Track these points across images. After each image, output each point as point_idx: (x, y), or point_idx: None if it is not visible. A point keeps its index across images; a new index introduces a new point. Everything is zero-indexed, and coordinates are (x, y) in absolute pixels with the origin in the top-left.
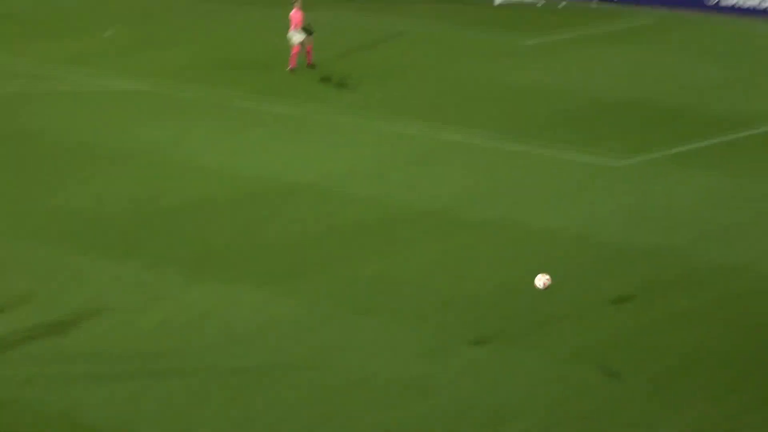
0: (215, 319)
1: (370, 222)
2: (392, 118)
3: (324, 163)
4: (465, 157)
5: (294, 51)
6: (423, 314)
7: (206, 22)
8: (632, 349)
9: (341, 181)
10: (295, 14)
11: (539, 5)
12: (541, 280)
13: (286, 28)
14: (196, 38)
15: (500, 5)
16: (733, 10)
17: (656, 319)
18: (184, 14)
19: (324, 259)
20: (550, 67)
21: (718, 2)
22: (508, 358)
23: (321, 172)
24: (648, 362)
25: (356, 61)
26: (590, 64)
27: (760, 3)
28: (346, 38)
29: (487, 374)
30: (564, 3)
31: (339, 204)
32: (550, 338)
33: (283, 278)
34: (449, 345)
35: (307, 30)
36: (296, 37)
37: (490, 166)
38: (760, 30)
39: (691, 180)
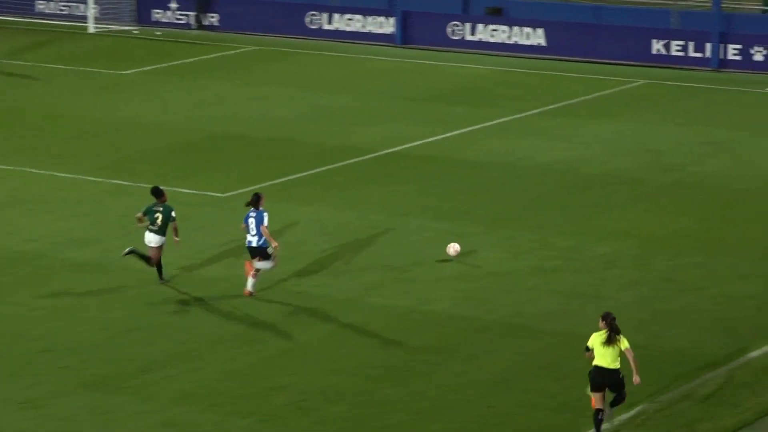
0: None
1: None
2: None
3: None
4: (70, 197)
5: None
6: (23, 362)
7: None
8: (242, 388)
9: None
10: None
11: (135, 33)
12: (452, 249)
13: None
14: None
15: (95, 34)
16: (337, 34)
17: (269, 356)
18: None
19: None
20: (148, 100)
21: (320, 26)
22: (113, 403)
23: None
24: (260, 401)
25: None
26: (192, 95)
27: (362, 26)
28: None
29: (93, 419)
30: (160, 32)
31: None
32: (157, 382)
33: None
34: (53, 393)
35: None
36: None
37: (95, 204)
38: (366, 54)
39: (299, 211)
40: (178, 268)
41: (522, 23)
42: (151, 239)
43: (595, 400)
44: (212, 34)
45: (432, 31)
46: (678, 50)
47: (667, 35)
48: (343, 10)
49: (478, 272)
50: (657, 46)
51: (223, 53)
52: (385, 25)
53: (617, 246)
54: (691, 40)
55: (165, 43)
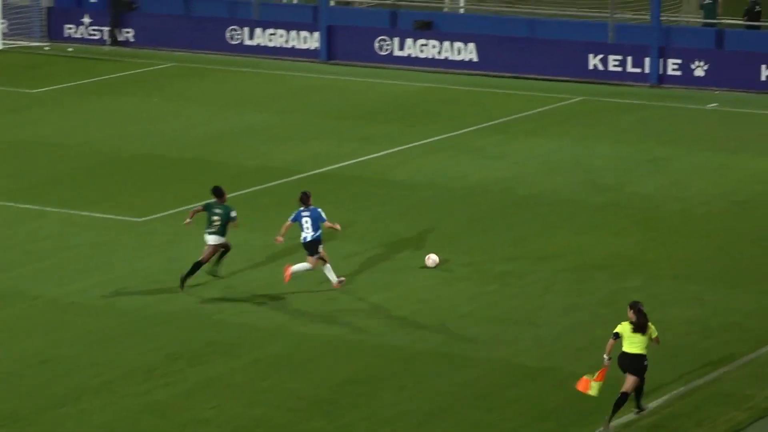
0: None
1: None
2: None
3: None
4: None
5: None
6: None
7: None
8: (161, 422)
9: None
10: None
11: (46, 49)
12: (430, 260)
13: None
14: None
15: (3, 50)
16: (259, 49)
17: (189, 388)
18: None
19: None
20: (62, 119)
21: (241, 42)
22: None
23: None
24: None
25: None
26: (108, 114)
27: (285, 41)
28: None
29: None
30: (72, 48)
31: None
32: (71, 416)
33: None
34: None
35: None
36: None
37: (4, 229)
38: (289, 70)
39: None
40: (94, 297)
41: (452, 38)
42: (209, 239)
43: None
44: (127, 50)
45: (358, 46)
46: (616, 65)
47: (605, 50)
48: (266, 25)
49: (408, 299)
50: (594, 61)
51: (140, 70)
52: (310, 41)
53: (554, 270)
54: (629, 55)
55: (78, 60)
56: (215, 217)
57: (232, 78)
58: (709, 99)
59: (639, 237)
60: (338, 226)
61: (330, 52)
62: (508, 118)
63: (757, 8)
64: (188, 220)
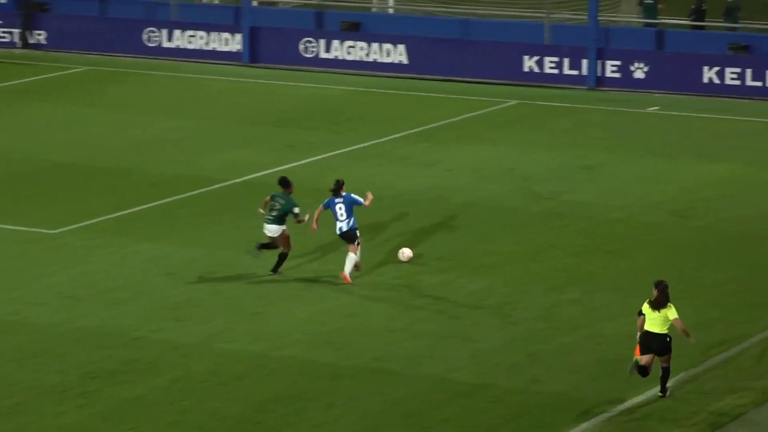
0: None
1: None
2: None
3: None
4: None
5: None
6: None
7: None
8: None
9: None
10: None
11: None
12: (404, 255)
13: None
14: None
15: None
16: (178, 52)
17: (106, 409)
18: None
19: None
20: None
21: (159, 44)
22: None
23: None
24: None
25: None
26: (19, 121)
27: (206, 44)
28: None
29: None
30: None
31: None
32: None
33: None
34: None
35: None
36: None
37: None
38: (210, 74)
39: (139, 249)
40: (5, 313)
41: (381, 39)
42: (269, 228)
43: (644, 359)
44: (39, 53)
45: (283, 48)
46: (552, 67)
47: (540, 51)
48: (185, 26)
49: (336, 313)
50: (529, 63)
51: (53, 74)
52: (232, 43)
53: (488, 282)
54: (566, 57)
55: None
56: (276, 206)
57: (150, 82)
58: (650, 102)
59: (577, 247)
60: (369, 199)
61: (253, 54)
62: (440, 124)
63: (704, 7)
64: (261, 210)
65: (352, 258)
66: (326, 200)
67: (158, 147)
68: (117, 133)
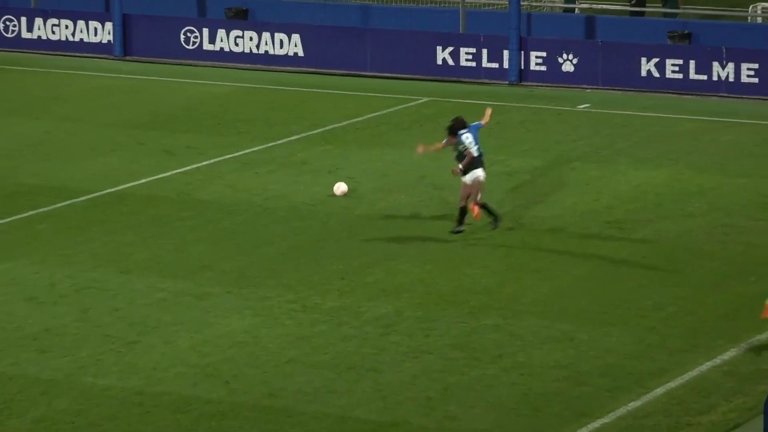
0: None
1: None
2: None
3: None
4: None
5: None
6: None
7: None
8: None
9: None
10: None
11: None
12: (339, 189)
13: None
14: None
15: None
16: (39, 44)
17: None
18: None
19: None
20: None
21: (17, 34)
22: None
23: None
24: None
25: None
26: None
27: (72, 34)
28: None
29: None
30: None
31: None
32: None
33: None
34: None
35: None
36: None
37: None
38: (76, 69)
39: None
40: None
41: (273, 28)
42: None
43: None
44: None
45: (160, 39)
46: (468, 60)
47: (455, 42)
48: (47, 15)
49: (222, 342)
50: (443, 55)
51: None
52: (101, 33)
53: (397, 306)
54: (485, 47)
55: None
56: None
57: (6, 79)
58: (580, 99)
59: (497, 266)
60: (488, 115)
61: (125, 46)
62: (340, 125)
63: None
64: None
65: (478, 181)
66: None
67: (15, 153)
68: None
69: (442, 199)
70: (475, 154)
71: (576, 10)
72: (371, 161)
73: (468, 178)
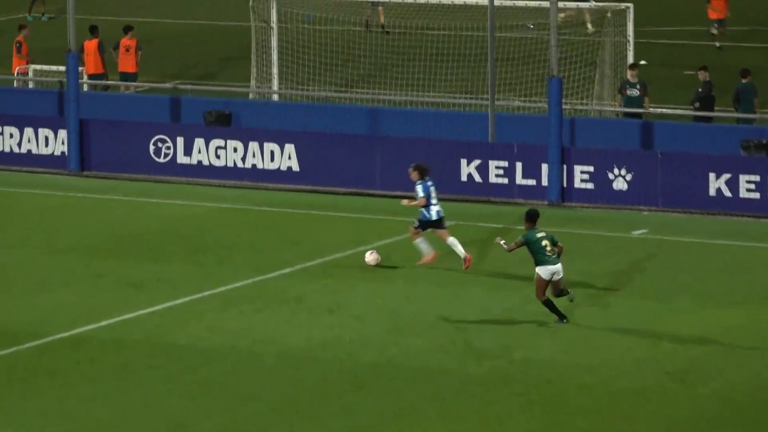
0: None
1: None
2: None
3: None
4: None
5: None
6: None
7: None
8: None
9: None
10: None
11: None
12: (372, 257)
13: None
14: None
15: None
16: None
17: None
18: None
19: None
20: None
21: None
22: None
23: None
24: None
25: None
26: None
27: (17, 144)
28: None
29: None
30: None
31: None
32: None
33: None
34: None
35: None
36: None
37: None
38: (24, 186)
39: None
40: None
41: (262, 136)
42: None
43: None
44: None
45: (125, 150)
46: (499, 175)
47: (483, 153)
48: None
49: None
50: (468, 170)
51: None
52: (53, 142)
53: None
54: (519, 160)
55: None
56: (545, 242)
57: None
58: (636, 223)
59: (534, 425)
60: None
61: (83, 159)
62: (343, 254)
63: (713, 93)
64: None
65: (453, 242)
66: (420, 186)
67: None
68: None
69: (466, 343)
70: (439, 213)
71: (642, 116)
72: (380, 297)
73: (544, 273)
